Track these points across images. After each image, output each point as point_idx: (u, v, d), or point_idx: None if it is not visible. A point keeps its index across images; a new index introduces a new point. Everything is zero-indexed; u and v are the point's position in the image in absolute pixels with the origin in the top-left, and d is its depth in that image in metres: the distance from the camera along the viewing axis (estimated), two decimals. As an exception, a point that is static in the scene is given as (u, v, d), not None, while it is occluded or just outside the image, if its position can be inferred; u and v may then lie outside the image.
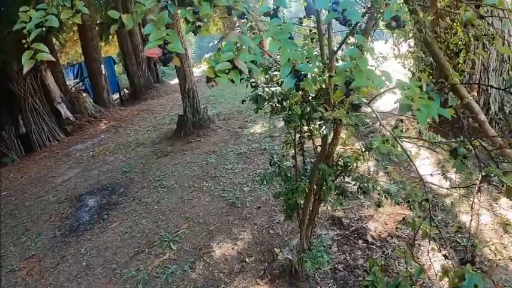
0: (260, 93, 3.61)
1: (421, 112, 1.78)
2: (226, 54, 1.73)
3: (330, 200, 4.47)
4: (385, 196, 3.84)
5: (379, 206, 3.87)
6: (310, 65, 2.02)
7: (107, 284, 5.70)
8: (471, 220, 2.76)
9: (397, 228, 5.60)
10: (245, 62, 1.74)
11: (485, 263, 4.64)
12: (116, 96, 20.86)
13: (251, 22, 2.93)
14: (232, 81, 1.75)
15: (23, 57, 1.96)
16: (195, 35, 2.29)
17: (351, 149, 2.93)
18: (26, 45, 1.96)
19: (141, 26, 21.73)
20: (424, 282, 4.58)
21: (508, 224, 5.12)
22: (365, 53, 3.02)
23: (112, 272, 5.92)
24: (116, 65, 23.80)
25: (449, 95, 2.93)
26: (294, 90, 3.50)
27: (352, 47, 2.03)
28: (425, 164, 6.52)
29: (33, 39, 1.95)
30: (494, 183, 2.34)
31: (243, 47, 1.80)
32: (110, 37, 23.79)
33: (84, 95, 16.74)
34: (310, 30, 3.99)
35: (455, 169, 3.25)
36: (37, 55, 1.97)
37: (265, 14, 2.13)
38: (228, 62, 1.72)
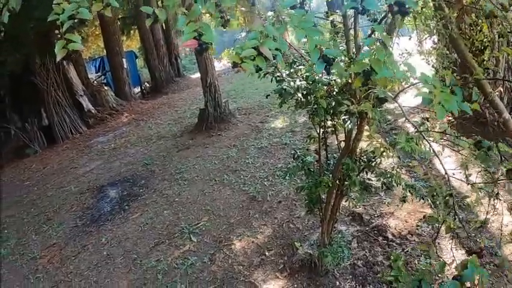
0: (285, 86, 3.62)
1: (440, 106, 1.79)
2: (252, 41, 1.76)
3: (351, 196, 4.47)
4: (409, 191, 3.82)
5: (404, 201, 3.85)
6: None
7: (127, 274, 5.78)
8: (486, 212, 2.74)
9: (417, 226, 5.56)
10: (270, 50, 1.77)
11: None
12: (137, 89, 21.07)
13: (278, 14, 2.95)
14: (258, 69, 1.78)
15: (57, 46, 2.03)
16: (224, 28, 2.33)
17: (377, 141, 2.92)
18: (59, 36, 2.02)
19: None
20: (442, 281, 4.55)
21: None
22: (390, 47, 3.02)
23: (132, 262, 6.00)
24: (137, 59, 23.99)
25: (474, 90, 2.92)
26: (320, 85, 3.51)
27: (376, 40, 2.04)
28: (448, 162, 6.45)
29: (65, 31, 2.01)
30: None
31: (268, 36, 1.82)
32: (132, 31, 23.99)
33: (106, 88, 16.95)
34: (335, 25, 3.99)
35: (477, 169, 3.23)
36: (69, 45, 2.03)
37: (292, 7, 2.14)
38: (253, 49, 1.75)
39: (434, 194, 2.96)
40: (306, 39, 1.83)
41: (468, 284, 1.94)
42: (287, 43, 2.00)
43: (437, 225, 2.80)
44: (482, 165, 2.99)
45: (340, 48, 3.54)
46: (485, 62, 6.38)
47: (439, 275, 4.58)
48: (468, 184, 3.18)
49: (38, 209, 8.42)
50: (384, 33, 2.08)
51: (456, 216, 2.74)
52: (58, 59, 2.07)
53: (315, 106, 3.62)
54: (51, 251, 6.72)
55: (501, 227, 5.07)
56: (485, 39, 6.29)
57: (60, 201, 8.55)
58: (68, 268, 6.19)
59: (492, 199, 2.89)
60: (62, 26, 2.01)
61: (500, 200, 3.00)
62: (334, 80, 3.56)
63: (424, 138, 2.72)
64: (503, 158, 2.64)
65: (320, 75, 3.61)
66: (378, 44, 1.98)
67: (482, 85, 4.27)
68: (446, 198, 2.88)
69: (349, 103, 3.05)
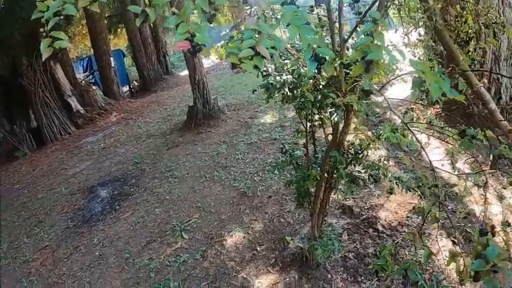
0: (271, 81, 3.63)
1: (434, 86, 1.80)
2: (248, 41, 1.76)
3: (341, 189, 4.50)
4: (396, 183, 3.85)
5: (391, 193, 3.89)
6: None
7: (120, 273, 5.78)
8: (475, 202, 2.77)
9: (407, 217, 5.61)
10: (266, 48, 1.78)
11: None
12: (125, 88, 20.95)
13: (264, 10, 2.95)
14: (257, 67, 1.79)
15: (42, 45, 1.98)
16: (210, 23, 2.32)
17: (363, 134, 2.95)
18: (43, 34, 2.00)
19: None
20: (433, 271, 4.60)
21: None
22: (380, 29, 3.04)
23: (125, 261, 6.00)
24: (125, 58, 23.84)
25: (460, 80, 2.95)
26: (306, 78, 3.52)
27: (363, 35, 2.05)
28: (435, 153, 6.50)
29: (50, 29, 1.99)
30: (503, 170, 2.35)
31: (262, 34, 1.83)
32: (119, 30, 23.85)
33: (94, 87, 16.84)
34: (320, 19, 4.01)
35: (465, 159, 3.28)
36: (55, 43, 2.00)
37: (282, 3, 2.14)
38: (250, 49, 1.76)
39: (421, 185, 2.99)
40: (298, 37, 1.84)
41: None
42: (283, 44, 2.00)
43: (423, 216, 2.83)
44: (468, 154, 3.03)
45: (325, 41, 3.56)
46: (470, 53, 6.43)
47: (430, 265, 4.65)
48: (455, 174, 3.23)
49: (29, 212, 8.38)
50: (378, 14, 2.09)
51: (442, 207, 2.77)
52: (44, 58, 2.03)
53: (302, 100, 3.64)
54: (43, 254, 6.70)
55: (484, 216, 5.12)
56: (470, 31, 6.34)
57: (51, 203, 8.52)
58: (60, 270, 6.19)
59: (481, 188, 2.94)
60: (47, 24, 1.99)
61: (487, 189, 3.03)
62: (320, 74, 3.58)
63: (409, 129, 2.74)
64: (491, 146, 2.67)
65: (305, 68, 3.62)
66: (375, 30, 1.99)
67: (468, 76, 4.32)
68: (432, 189, 2.91)
69: (334, 96, 3.07)
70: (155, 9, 2.00)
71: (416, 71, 1.88)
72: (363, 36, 2.06)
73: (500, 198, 5.24)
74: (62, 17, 1.97)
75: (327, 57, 1.87)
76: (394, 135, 3.03)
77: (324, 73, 3.52)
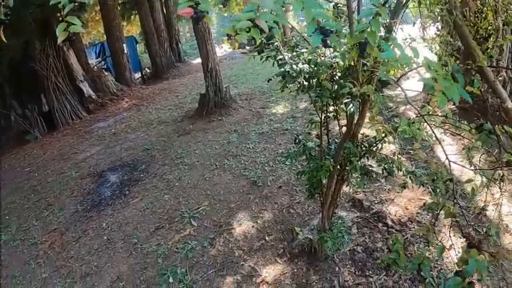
0: (288, 69, 3.60)
1: (441, 95, 1.77)
2: (247, 13, 1.73)
3: (353, 181, 4.47)
4: (409, 177, 3.82)
5: (404, 187, 3.85)
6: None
7: (127, 258, 5.80)
8: (484, 200, 2.73)
9: (417, 213, 5.57)
10: (266, 22, 1.75)
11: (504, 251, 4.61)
12: (137, 75, 21.00)
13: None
14: (260, 50, 1.77)
15: (58, 29, 2.04)
16: (223, 6, 2.30)
17: (379, 123, 2.91)
18: (60, 19, 2.03)
19: (163, 5, 21.70)
20: (441, 268, 4.57)
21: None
22: (394, 32, 3.00)
23: (132, 246, 6.02)
24: (137, 44, 23.87)
25: (475, 77, 2.90)
26: (323, 67, 3.48)
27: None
28: (448, 150, 6.42)
29: (66, 14, 2.03)
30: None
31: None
32: (132, 17, 23.86)
33: (106, 73, 16.86)
34: (338, 7, 3.96)
35: (479, 156, 3.23)
36: (70, 27, 2.04)
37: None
38: (249, 21, 1.73)
39: (435, 178, 2.96)
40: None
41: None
42: (287, 20, 1.96)
43: (436, 211, 2.80)
44: (484, 149, 2.98)
45: (343, 31, 3.51)
46: (489, 50, 6.34)
47: (438, 262, 4.62)
48: (471, 169, 3.18)
49: (38, 195, 8.43)
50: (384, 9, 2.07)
51: (456, 201, 2.74)
52: (59, 41, 2.09)
53: (318, 89, 3.60)
54: (51, 236, 6.74)
55: (498, 216, 5.08)
56: (489, 27, 6.24)
57: (61, 187, 8.55)
58: (68, 253, 6.22)
59: (497, 183, 2.89)
60: (63, 10, 2.02)
61: (504, 182, 2.99)
62: (337, 63, 3.54)
63: (426, 122, 2.70)
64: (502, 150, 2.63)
65: (323, 57, 3.58)
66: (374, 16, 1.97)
67: (485, 72, 4.25)
68: (447, 183, 2.87)
69: (351, 86, 3.03)
70: None
71: (428, 73, 1.86)
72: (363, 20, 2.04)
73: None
74: (76, 4, 2.01)
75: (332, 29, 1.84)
76: (410, 129, 2.99)
77: (341, 62, 3.49)
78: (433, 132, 2.67)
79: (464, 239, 2.76)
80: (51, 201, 8.02)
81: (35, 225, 7.22)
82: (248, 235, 5.76)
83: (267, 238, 5.62)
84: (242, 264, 5.25)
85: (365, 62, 3.04)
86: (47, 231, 6.95)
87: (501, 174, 2.73)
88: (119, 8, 19.69)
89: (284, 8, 1.85)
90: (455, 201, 2.68)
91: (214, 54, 11.36)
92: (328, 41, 1.84)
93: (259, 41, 3.52)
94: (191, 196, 6.98)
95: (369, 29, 1.92)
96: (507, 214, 5.21)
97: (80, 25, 2.07)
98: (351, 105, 3.27)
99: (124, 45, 18.56)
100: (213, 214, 6.38)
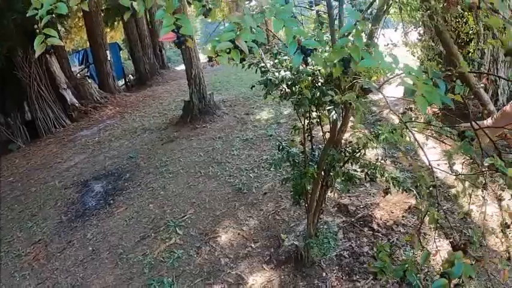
0: (270, 77, 3.60)
1: (421, 99, 1.78)
2: (228, 34, 1.74)
3: (337, 187, 4.48)
4: (393, 183, 3.83)
5: (387, 193, 3.86)
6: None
7: (113, 269, 5.74)
8: (468, 203, 2.75)
9: (403, 216, 5.60)
10: (246, 42, 1.75)
11: (491, 253, 4.65)
12: (121, 82, 20.86)
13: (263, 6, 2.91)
14: (242, 59, 1.78)
15: (35, 42, 2.03)
16: (205, 17, 2.32)
17: (360, 131, 2.92)
18: (37, 31, 2.03)
19: (146, 11, 21.60)
20: (428, 271, 4.59)
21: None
22: (375, 38, 3.01)
23: (118, 256, 5.96)
24: (121, 51, 23.74)
25: (457, 82, 2.92)
26: (304, 75, 3.49)
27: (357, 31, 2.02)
28: (432, 153, 6.48)
29: (44, 25, 2.01)
30: (499, 173, 2.33)
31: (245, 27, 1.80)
32: (115, 23, 23.72)
33: (90, 81, 16.72)
34: (319, 15, 3.97)
35: (462, 160, 3.25)
36: (47, 40, 2.03)
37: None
38: (230, 42, 1.73)
39: (418, 185, 2.97)
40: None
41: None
42: (265, 33, 1.96)
43: (421, 216, 2.81)
44: (467, 156, 3.00)
45: (325, 38, 3.52)
46: (470, 54, 6.42)
47: (425, 265, 4.64)
48: (453, 174, 3.20)
49: (22, 206, 8.30)
50: (368, 23, 2.06)
51: (440, 207, 2.74)
52: (37, 54, 2.09)
53: (300, 97, 3.61)
54: (36, 248, 6.64)
55: (483, 218, 5.11)
56: (470, 32, 6.32)
57: (45, 197, 8.45)
58: (53, 265, 6.13)
59: (480, 189, 2.91)
60: (40, 21, 2.00)
61: (486, 190, 3.01)
62: (319, 71, 3.55)
63: (408, 129, 2.71)
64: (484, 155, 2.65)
65: (304, 65, 3.59)
66: (356, 30, 1.97)
67: (467, 77, 4.29)
68: (430, 189, 2.88)
69: (333, 93, 3.04)
70: (144, 2, 1.99)
71: (406, 82, 1.86)
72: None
73: (499, 200, 5.24)
74: (54, 15, 2.00)
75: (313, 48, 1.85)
76: (392, 135, 3.00)
77: (322, 70, 3.50)
78: (415, 139, 2.68)
79: (450, 244, 2.77)
80: (35, 211, 7.90)
81: (18, 236, 7.11)
82: (234, 243, 5.74)
83: (253, 245, 5.60)
84: (229, 272, 5.22)
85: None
86: (31, 242, 6.84)
87: (483, 182, 2.75)
88: (102, 14, 19.54)
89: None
90: (438, 207, 2.69)
91: (198, 60, 11.35)
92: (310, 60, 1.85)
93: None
94: (176, 204, 6.94)
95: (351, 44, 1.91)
96: (492, 215, 5.26)
97: (57, 37, 2.06)
98: (333, 112, 3.27)
99: (107, 52, 18.43)
100: (198, 222, 6.34)
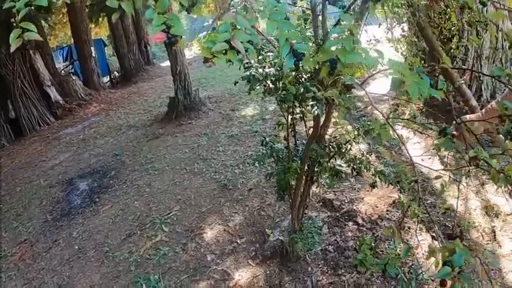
0: (253, 73, 3.61)
1: (412, 87, 1.80)
2: (223, 34, 1.73)
3: (322, 182, 4.51)
4: (378, 177, 3.87)
5: (373, 186, 3.91)
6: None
7: (99, 267, 5.72)
8: (458, 198, 2.80)
9: (387, 211, 5.65)
10: (241, 42, 1.75)
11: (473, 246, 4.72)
12: (106, 79, 20.68)
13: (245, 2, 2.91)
14: (230, 61, 1.77)
15: (11, 35, 1.93)
16: (188, 13, 2.30)
17: (342, 127, 2.95)
18: (14, 24, 1.94)
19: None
20: (412, 264, 4.64)
21: (492, 208, 5.20)
22: (357, 34, 3.03)
23: (104, 254, 5.94)
24: (106, 47, 23.53)
25: (440, 78, 2.96)
26: (289, 71, 3.51)
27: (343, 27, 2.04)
28: (416, 148, 6.55)
29: (22, 19, 1.92)
30: (482, 167, 2.36)
31: (239, 27, 1.80)
32: (100, 19, 23.49)
33: (74, 77, 16.54)
34: (304, 12, 3.99)
35: (446, 153, 3.29)
36: (24, 34, 1.94)
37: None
38: (225, 43, 1.73)
39: (400, 180, 3.01)
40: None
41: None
42: (257, 30, 1.96)
43: (404, 211, 2.85)
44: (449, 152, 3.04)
45: (308, 34, 3.54)
46: (453, 50, 6.48)
47: (409, 259, 4.69)
48: (435, 170, 3.25)
49: (7, 205, 8.22)
50: (352, 22, 2.07)
51: (421, 202, 2.78)
52: (12, 49, 1.99)
53: (284, 92, 3.62)
54: (21, 248, 6.60)
55: (465, 211, 5.19)
56: (453, 28, 6.38)
57: (30, 196, 8.37)
58: (39, 264, 6.10)
59: (462, 184, 2.96)
60: (17, 14, 1.93)
61: (469, 185, 3.07)
62: (302, 67, 3.57)
63: (391, 126, 2.74)
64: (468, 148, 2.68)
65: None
66: (346, 33, 1.98)
67: (449, 73, 4.34)
68: (412, 184, 2.92)
69: (316, 90, 3.06)
70: (134, 2, 1.96)
71: (395, 73, 1.88)
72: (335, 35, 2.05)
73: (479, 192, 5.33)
74: (32, 8, 1.91)
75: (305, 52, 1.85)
76: (383, 131, 3.03)
77: (305, 66, 3.52)
78: (397, 135, 2.71)
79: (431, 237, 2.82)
80: (20, 211, 7.84)
81: (4, 237, 7.04)
82: (220, 239, 5.75)
83: (238, 241, 5.62)
84: (215, 268, 5.24)
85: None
86: (16, 242, 6.79)
87: (464, 177, 2.80)
88: (87, 10, 19.34)
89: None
90: (420, 202, 2.73)
91: (183, 57, 11.28)
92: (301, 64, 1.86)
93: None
94: (162, 201, 6.92)
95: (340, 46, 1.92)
96: (475, 209, 5.33)
97: (36, 32, 1.98)
98: (316, 108, 3.29)
99: (92, 48, 18.28)
100: (184, 219, 6.34)
